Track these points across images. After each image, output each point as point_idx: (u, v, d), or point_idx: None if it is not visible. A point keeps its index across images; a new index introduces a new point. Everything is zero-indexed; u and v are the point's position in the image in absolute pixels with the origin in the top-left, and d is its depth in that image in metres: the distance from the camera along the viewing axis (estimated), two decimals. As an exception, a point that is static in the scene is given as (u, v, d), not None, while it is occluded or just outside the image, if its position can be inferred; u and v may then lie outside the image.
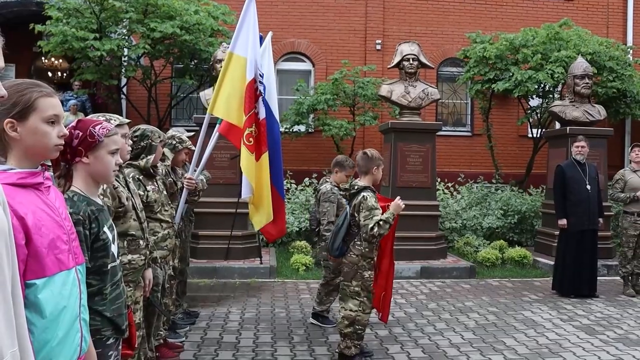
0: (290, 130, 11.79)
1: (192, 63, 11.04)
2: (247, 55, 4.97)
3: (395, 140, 8.86)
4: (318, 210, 5.70)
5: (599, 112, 9.47)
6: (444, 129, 13.37)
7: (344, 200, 5.34)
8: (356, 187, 4.60)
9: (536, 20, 13.00)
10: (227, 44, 9.02)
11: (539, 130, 11.88)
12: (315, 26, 13.45)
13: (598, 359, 4.96)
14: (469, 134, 13.95)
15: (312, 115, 12.15)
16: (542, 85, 11.01)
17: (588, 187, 7.18)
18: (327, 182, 5.76)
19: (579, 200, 7.12)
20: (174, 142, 4.95)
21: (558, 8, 14.35)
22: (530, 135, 12.63)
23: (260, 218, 5.19)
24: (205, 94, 8.79)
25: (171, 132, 5.18)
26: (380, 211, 4.48)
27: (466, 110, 14.21)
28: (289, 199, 10.62)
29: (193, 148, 5.22)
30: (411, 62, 8.88)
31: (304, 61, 13.57)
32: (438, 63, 13.69)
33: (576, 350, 5.14)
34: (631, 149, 7.77)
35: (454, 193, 11.24)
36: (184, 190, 4.95)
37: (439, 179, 10.76)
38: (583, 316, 6.33)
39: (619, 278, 7.79)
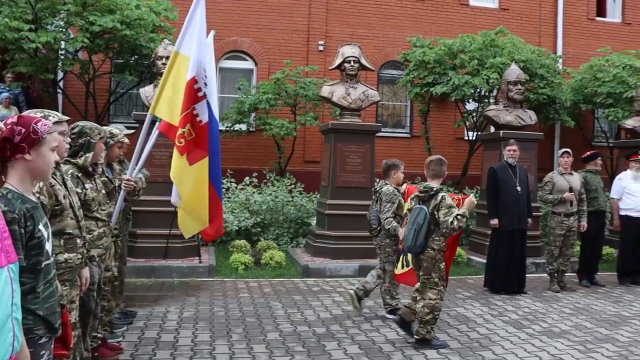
0: (231, 129, 11.76)
1: (133, 59, 10.84)
2: (190, 54, 4.92)
3: (335, 140, 8.99)
4: (380, 210, 6.06)
5: (530, 117, 9.87)
6: (383, 130, 13.62)
7: (402, 200, 5.89)
8: (433, 190, 5.11)
9: (474, 27, 13.41)
10: (169, 40, 8.94)
11: (475, 133, 12.27)
12: (259, 25, 13.44)
13: (524, 350, 5.21)
14: (408, 135, 14.26)
15: (253, 114, 12.15)
16: (478, 90, 11.38)
17: (518, 188, 7.50)
18: (387, 184, 6.18)
19: (510, 201, 7.42)
20: (105, 137, 4.74)
21: (494, 16, 14.86)
22: (466, 138, 13.05)
23: (192, 225, 5.13)
24: (146, 91, 8.67)
25: (109, 128, 5.09)
26: (456, 208, 5.03)
27: (405, 112, 14.52)
28: (229, 197, 10.60)
29: (126, 141, 5.11)
30: (352, 64, 9.03)
31: (246, 60, 13.55)
32: (379, 65, 13.94)
33: (504, 344, 5.38)
34: (561, 155, 8.15)
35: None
36: (122, 190, 4.85)
37: (377, 179, 10.95)
38: (512, 311, 6.61)
39: (546, 275, 8.17)
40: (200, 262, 8.27)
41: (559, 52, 15.07)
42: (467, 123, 12.63)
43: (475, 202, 5.28)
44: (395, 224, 5.89)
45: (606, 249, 9.57)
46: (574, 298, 7.43)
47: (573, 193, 7.72)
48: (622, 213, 8.44)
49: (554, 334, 5.74)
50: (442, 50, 11.17)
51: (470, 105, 12.40)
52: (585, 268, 8.36)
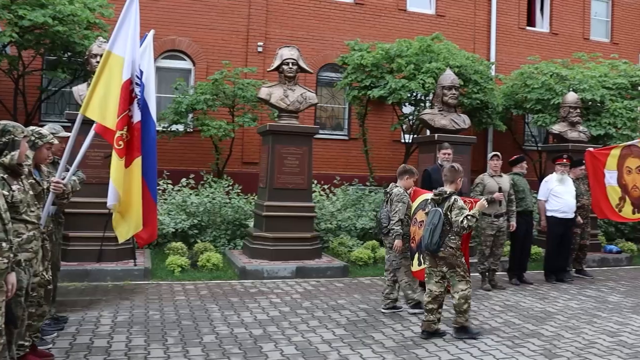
0: (168, 129, 11.58)
1: (66, 56, 10.50)
2: (125, 55, 4.85)
3: (273, 142, 9.00)
4: (390, 209, 6.49)
5: (464, 121, 10.17)
6: (322, 132, 13.74)
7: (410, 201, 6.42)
8: (447, 193, 5.64)
9: (411, 33, 13.71)
10: (103, 38, 8.72)
11: (411, 136, 12.53)
12: (198, 25, 13.31)
13: (456, 347, 5.36)
14: (346, 137, 14.43)
15: (191, 115, 12.01)
16: (414, 94, 11.62)
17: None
18: (397, 186, 6.62)
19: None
20: (33, 137, 4.53)
21: (431, 22, 15.24)
22: (403, 140, 13.31)
23: (127, 228, 5.02)
24: (79, 89, 8.44)
25: (45, 127, 4.88)
26: (467, 210, 5.56)
27: (344, 114, 14.69)
28: (165, 199, 10.44)
29: (55, 142, 4.95)
30: (290, 66, 9.06)
31: (184, 59, 13.38)
32: (318, 68, 14.05)
33: (437, 341, 5.53)
34: (490, 157, 8.45)
35: (330, 195, 11.56)
36: (51, 192, 4.70)
37: (315, 181, 11.04)
38: (445, 310, 6.73)
39: (477, 274, 8.42)
40: (135, 265, 8.11)
41: (492, 59, 15.62)
42: (404, 126, 12.88)
43: (486, 205, 5.92)
44: (398, 228, 6.40)
45: (534, 248, 9.97)
46: (504, 296, 7.71)
47: (502, 193, 8.01)
48: (549, 214, 8.81)
49: (485, 331, 5.94)
50: (380, 54, 11.36)
51: (407, 109, 12.65)
52: (515, 267, 8.68)
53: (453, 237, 5.59)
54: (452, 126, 9.85)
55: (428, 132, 10.36)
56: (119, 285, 7.57)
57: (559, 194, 8.65)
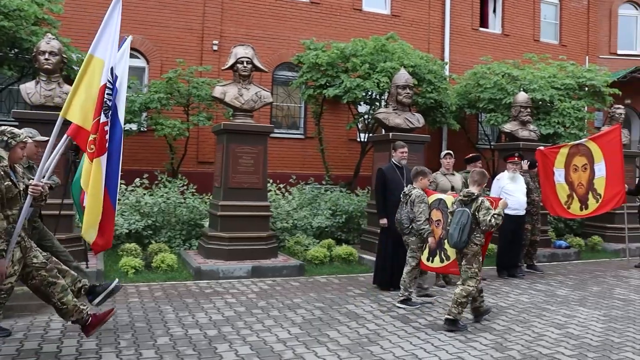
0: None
1: (12, 52, 10.18)
2: (105, 58, 4.89)
3: (228, 141, 8.92)
4: (412, 210, 6.87)
5: (418, 120, 10.29)
6: (278, 131, 13.72)
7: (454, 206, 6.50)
8: (474, 195, 6.09)
9: (366, 32, 13.81)
10: (52, 34, 8.50)
11: (367, 134, 12.62)
12: (151, 22, 13.10)
13: (410, 344, 5.42)
14: (302, 136, 14.44)
15: (144, 114, 11.81)
16: (369, 93, 11.70)
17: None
18: (415, 188, 6.98)
19: (398, 200, 7.67)
20: (5, 137, 4.49)
21: (386, 22, 15.38)
22: (358, 139, 13.39)
23: (91, 231, 4.97)
24: (27, 87, 8.20)
25: (23, 130, 4.79)
26: (493, 209, 6.02)
27: (299, 113, 14.69)
28: (118, 199, 10.21)
29: (29, 141, 4.78)
30: (245, 65, 9.00)
31: (138, 57, 13.15)
32: (274, 67, 14.02)
33: (392, 338, 5.58)
34: (443, 156, 8.58)
35: (286, 194, 11.55)
36: (29, 195, 4.57)
37: (271, 180, 11.01)
38: (400, 307, 6.86)
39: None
40: (87, 267, 7.90)
41: (446, 59, 15.87)
42: (359, 125, 12.96)
43: (507, 204, 6.59)
44: (427, 227, 6.79)
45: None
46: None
47: (455, 192, 8.13)
48: (501, 211, 8.99)
49: (438, 327, 6.03)
50: (335, 53, 11.40)
51: (362, 108, 12.74)
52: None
53: (478, 235, 6.09)
54: (407, 125, 9.96)
55: (383, 131, 10.44)
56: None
57: (510, 192, 8.83)
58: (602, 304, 7.38)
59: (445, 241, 6.53)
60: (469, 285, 6.03)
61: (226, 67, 9.26)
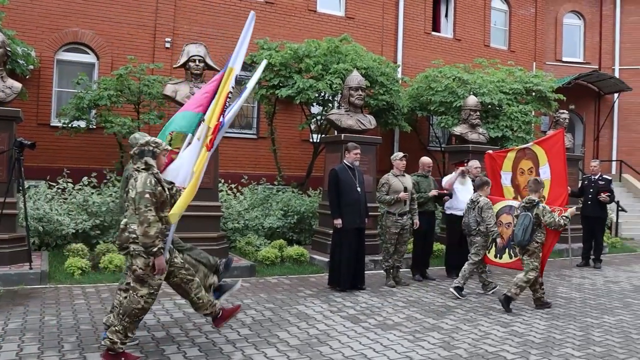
0: (69, 125, 11.08)
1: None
2: (237, 68, 5.45)
3: (180, 140, 8.80)
4: (479, 215, 7.95)
5: (370, 121, 10.38)
6: (230, 130, 13.59)
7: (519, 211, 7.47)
8: (535, 201, 7.20)
9: (320, 34, 13.85)
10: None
11: (319, 135, 12.65)
12: (102, 17, 12.81)
13: (359, 344, 5.47)
14: (255, 136, 14.37)
15: (93, 111, 11.54)
16: (322, 94, 11.74)
17: (358, 189, 7.86)
18: (481, 196, 8.05)
19: (351, 201, 7.75)
20: (151, 147, 4.90)
21: (340, 24, 15.46)
22: (311, 140, 13.41)
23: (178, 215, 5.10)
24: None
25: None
26: (554, 212, 7.18)
27: (253, 113, 14.61)
28: (65, 199, 9.99)
29: (169, 149, 5.27)
30: (197, 63, 8.91)
31: (88, 53, 12.85)
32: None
33: (341, 338, 5.62)
34: (400, 158, 8.66)
35: (237, 194, 11.46)
36: None
37: (222, 180, 10.92)
38: (350, 307, 6.92)
39: (382, 271, 8.65)
40: (31, 269, 7.67)
41: (399, 61, 16.07)
42: (312, 126, 12.99)
43: (575, 212, 7.62)
44: (495, 229, 7.91)
45: (437, 245, 10.33)
46: (407, 292, 7.95)
47: (407, 193, 8.26)
48: (448, 212, 9.18)
49: (387, 326, 6.11)
50: (288, 54, 11.38)
51: (315, 109, 12.77)
52: (418, 263, 8.98)
53: (540, 235, 7.19)
54: (359, 126, 10.03)
55: (335, 132, 10.49)
56: (13, 290, 7.15)
57: (458, 192, 9.01)
58: (545, 302, 7.61)
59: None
60: (530, 275, 7.10)
61: (178, 65, 9.15)
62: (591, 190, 10.98)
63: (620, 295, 8.26)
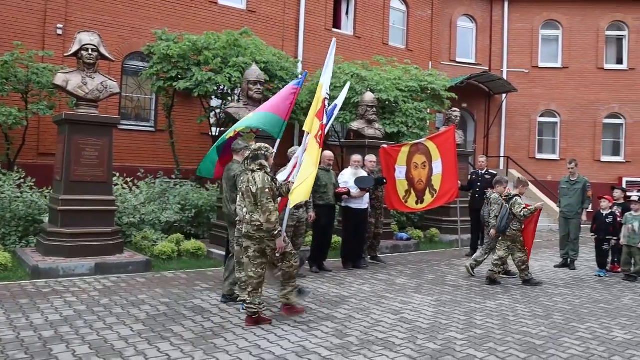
0: (-53, 115, 10.34)
1: None
2: (322, 81, 6.99)
3: (70, 132, 8.46)
4: (491, 209, 9.04)
5: (268, 116, 10.41)
6: (127, 123, 13.27)
7: (504, 203, 8.82)
8: (511, 195, 8.79)
9: (222, 26, 13.72)
10: None
11: (218, 129, 12.56)
12: (-16, -1, 12.01)
13: (254, 335, 5.53)
14: (153, 129, 14.04)
15: (-25, 100, 10.84)
16: (220, 87, 11.66)
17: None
18: (494, 193, 9.10)
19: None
20: (263, 151, 5.97)
21: (241, 17, 15.38)
22: (210, 133, 13.27)
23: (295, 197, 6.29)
24: None
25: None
26: (524, 206, 8.56)
27: (150, 105, 14.26)
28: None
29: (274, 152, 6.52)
30: (90, 52, 8.60)
31: (-31, 38, 12.02)
32: (124, 56, 13.48)
33: (236, 330, 5.67)
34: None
35: (133, 188, 11.15)
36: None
37: (117, 174, 10.60)
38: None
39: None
40: None
41: (300, 57, 16.20)
42: (211, 119, 12.86)
43: (541, 206, 8.87)
44: (493, 222, 8.88)
45: (335, 238, 10.56)
46: (304, 283, 8.00)
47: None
48: (344, 204, 9.42)
49: (283, 317, 6.21)
50: (187, 45, 11.21)
51: (215, 102, 12.66)
52: (316, 256, 9.15)
53: (516, 223, 8.59)
54: (257, 121, 10.04)
55: (236, 126, 10.43)
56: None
57: (353, 187, 9.26)
58: (435, 290, 8.02)
59: None
60: (519, 257, 8.66)
61: (69, 53, 8.78)
62: (478, 184, 11.61)
63: (502, 282, 8.84)
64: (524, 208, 8.54)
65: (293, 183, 6.33)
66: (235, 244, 6.30)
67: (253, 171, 5.84)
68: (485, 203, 9.53)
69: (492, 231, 8.92)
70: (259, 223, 5.74)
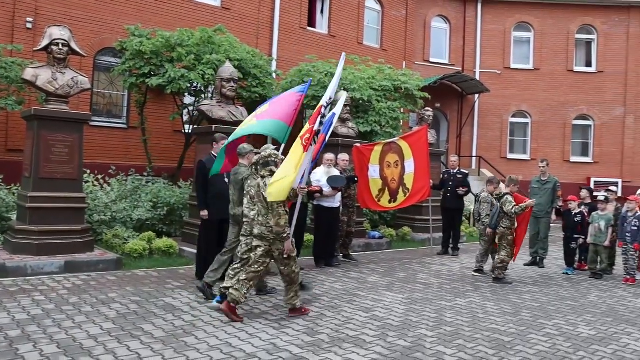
0: None
1: None
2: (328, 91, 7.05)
3: (39, 128, 8.33)
4: (481, 207, 9.60)
5: (242, 113, 10.36)
6: (99, 119, 13.10)
7: (494, 201, 9.19)
8: (502, 193, 8.99)
9: (196, 23, 13.64)
10: None
11: (191, 126, 12.48)
12: (-50, -10, 11.75)
13: (225, 333, 5.53)
14: (125, 126, 13.89)
15: (-59, 94, 10.60)
16: (194, 85, 11.58)
17: (226, 180, 7.85)
18: (485, 192, 9.65)
19: (218, 192, 7.68)
20: (273, 158, 6.27)
21: (216, 14, 15.30)
22: (183, 131, 13.18)
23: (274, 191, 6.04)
24: None
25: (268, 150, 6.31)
26: (514, 204, 8.80)
27: (122, 102, 14.10)
28: None
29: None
30: (60, 47, 8.47)
31: None
32: (95, 51, 13.31)
33: (207, 329, 5.65)
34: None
35: (105, 185, 11.01)
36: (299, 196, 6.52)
37: (88, 171, 10.46)
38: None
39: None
40: None
41: (274, 55, 16.18)
42: (184, 116, 12.78)
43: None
44: (486, 220, 9.32)
45: (307, 236, 10.58)
46: (276, 281, 8.03)
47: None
48: (316, 203, 9.44)
49: (254, 315, 6.23)
50: (160, 42, 11.11)
51: (188, 99, 12.57)
52: (288, 254, 9.14)
53: (506, 221, 8.88)
54: (230, 118, 10.00)
55: (207, 124, 10.40)
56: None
57: (325, 186, 9.29)
58: (406, 288, 8.09)
59: None
60: (503, 256, 8.92)
61: (39, 48, 8.63)
62: (450, 183, 11.74)
63: (473, 280, 8.96)
64: (515, 205, 8.77)
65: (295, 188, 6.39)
66: (243, 242, 6.59)
67: (263, 177, 6.19)
68: (475, 201, 9.80)
69: (488, 230, 9.16)
70: (272, 226, 6.06)
